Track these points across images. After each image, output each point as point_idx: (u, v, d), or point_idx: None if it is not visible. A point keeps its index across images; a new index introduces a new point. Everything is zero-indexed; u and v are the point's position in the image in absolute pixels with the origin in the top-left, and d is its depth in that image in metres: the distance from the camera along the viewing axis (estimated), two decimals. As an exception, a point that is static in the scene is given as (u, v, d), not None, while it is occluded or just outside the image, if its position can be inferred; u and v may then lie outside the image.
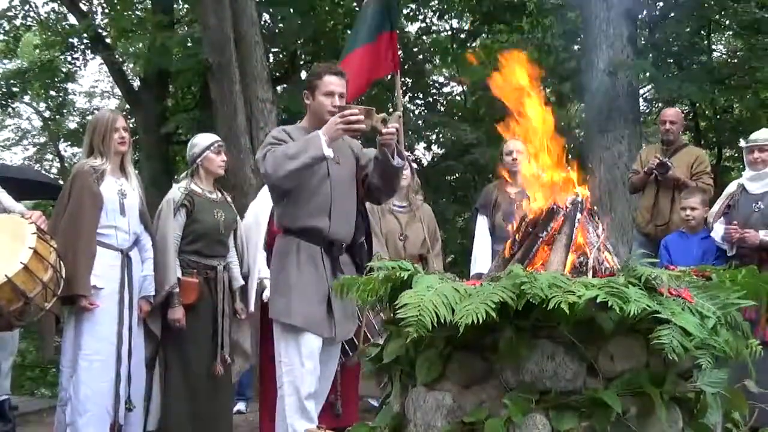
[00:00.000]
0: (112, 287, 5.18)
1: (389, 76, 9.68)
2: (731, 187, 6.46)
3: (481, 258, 6.45)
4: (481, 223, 6.61)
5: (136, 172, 5.66)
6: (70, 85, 20.77)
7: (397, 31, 9.25)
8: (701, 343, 2.95)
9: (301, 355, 4.38)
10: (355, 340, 5.19)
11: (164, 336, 5.61)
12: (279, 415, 4.46)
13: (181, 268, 5.57)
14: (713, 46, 16.31)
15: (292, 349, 4.41)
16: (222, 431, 5.75)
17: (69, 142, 22.10)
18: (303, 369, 4.37)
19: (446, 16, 17.04)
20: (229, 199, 5.95)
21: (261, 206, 5.94)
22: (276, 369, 4.52)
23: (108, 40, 16.88)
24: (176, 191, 5.70)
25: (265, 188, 5.92)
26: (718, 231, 6.20)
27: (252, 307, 5.80)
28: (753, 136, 6.42)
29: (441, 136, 16.10)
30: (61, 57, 18.10)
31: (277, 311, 4.47)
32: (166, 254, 5.51)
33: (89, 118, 19.10)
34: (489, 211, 6.53)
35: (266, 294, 5.49)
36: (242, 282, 5.88)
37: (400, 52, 8.83)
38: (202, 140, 5.85)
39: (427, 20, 17.11)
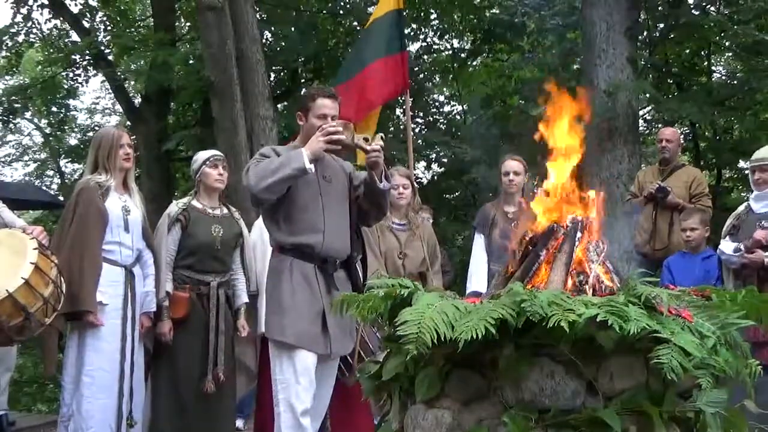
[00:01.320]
0: (116, 303, 5.21)
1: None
2: (740, 208, 6.46)
3: (477, 276, 6.46)
4: (478, 242, 6.63)
5: (138, 188, 5.68)
6: (71, 102, 20.85)
7: (408, 51, 9.27)
8: (701, 362, 2.95)
9: (296, 372, 4.41)
10: (349, 358, 5.18)
11: (155, 350, 5.62)
12: None
13: (174, 283, 5.59)
14: (713, 68, 16.37)
15: (287, 366, 4.44)
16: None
17: (70, 159, 22.11)
18: (298, 386, 4.40)
19: (447, 36, 17.13)
20: (236, 215, 5.93)
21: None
22: (272, 387, 4.53)
23: (110, 57, 16.93)
24: (174, 206, 5.73)
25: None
26: (725, 248, 6.16)
27: (263, 327, 5.78)
28: (755, 155, 6.39)
29: (441, 154, 16.15)
30: (63, 73, 18.15)
31: (271, 329, 4.52)
32: (158, 268, 5.54)
33: (90, 134, 19.24)
34: (486, 229, 6.55)
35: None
36: (246, 300, 5.87)
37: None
38: (201, 156, 5.88)
39: (428, 40, 17.19)
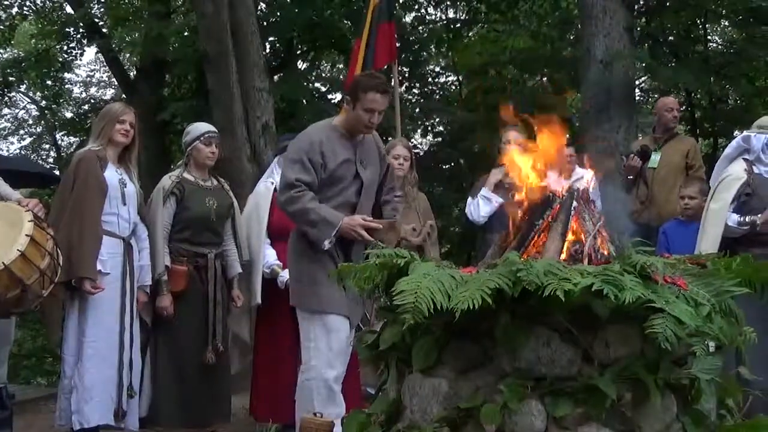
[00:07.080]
0: (115, 274, 5.25)
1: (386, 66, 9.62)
2: (740, 175, 6.05)
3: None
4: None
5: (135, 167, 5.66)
6: (66, 75, 20.71)
7: (395, 21, 9.24)
8: (695, 330, 2.97)
9: (330, 339, 4.61)
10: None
11: (154, 324, 5.65)
12: (300, 399, 4.68)
13: (171, 256, 5.60)
14: (709, 36, 16.28)
15: (321, 333, 4.62)
16: (217, 420, 5.76)
17: (65, 132, 21.99)
18: (331, 353, 4.61)
19: (441, 6, 17.01)
20: (226, 186, 5.94)
21: (261, 196, 5.96)
22: (303, 354, 4.72)
23: (104, 29, 16.81)
24: (167, 179, 5.73)
25: (264, 178, 6.05)
26: (730, 221, 5.84)
27: (258, 299, 5.79)
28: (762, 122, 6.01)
29: (437, 123, 16.10)
30: (57, 46, 18.03)
31: (304, 301, 4.72)
32: (155, 242, 5.55)
33: (86, 107, 19.13)
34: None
35: (281, 280, 5.64)
36: (239, 270, 5.88)
37: (397, 43, 8.82)
38: (194, 129, 5.86)
39: (423, 10, 17.06)
